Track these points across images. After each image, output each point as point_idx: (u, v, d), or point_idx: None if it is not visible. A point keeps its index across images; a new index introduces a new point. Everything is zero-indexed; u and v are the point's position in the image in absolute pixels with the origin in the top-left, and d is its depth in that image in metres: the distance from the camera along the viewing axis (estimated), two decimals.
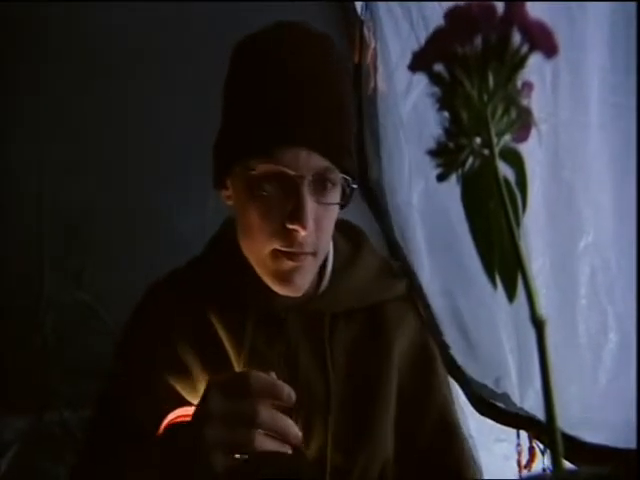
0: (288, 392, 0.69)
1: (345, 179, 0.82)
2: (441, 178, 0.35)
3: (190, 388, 0.87)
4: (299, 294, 0.87)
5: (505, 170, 0.34)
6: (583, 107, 0.81)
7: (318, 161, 0.78)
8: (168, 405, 0.83)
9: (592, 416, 0.92)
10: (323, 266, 0.95)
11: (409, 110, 1.35)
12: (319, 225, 0.82)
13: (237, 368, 0.86)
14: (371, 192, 1.35)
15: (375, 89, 1.39)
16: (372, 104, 1.38)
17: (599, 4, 0.78)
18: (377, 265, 1.01)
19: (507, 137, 0.34)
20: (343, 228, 0.99)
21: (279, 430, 0.67)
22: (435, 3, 1.22)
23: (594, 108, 0.80)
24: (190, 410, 0.79)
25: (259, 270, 0.86)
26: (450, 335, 1.14)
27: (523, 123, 0.33)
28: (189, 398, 0.85)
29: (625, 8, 0.77)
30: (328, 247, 0.89)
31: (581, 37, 0.78)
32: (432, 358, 1.06)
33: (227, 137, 0.86)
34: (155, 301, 0.97)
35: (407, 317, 1.02)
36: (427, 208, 1.41)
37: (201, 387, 0.84)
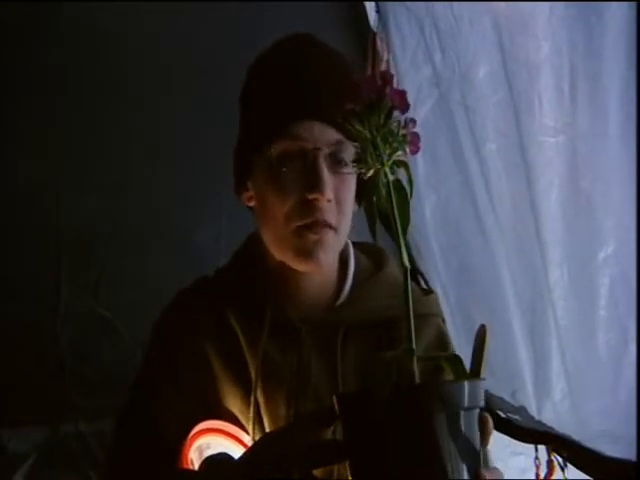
0: None
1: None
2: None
3: (217, 393, 0.87)
4: (321, 269, 0.87)
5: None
6: (602, 117, 0.80)
7: (332, 134, 0.81)
8: (194, 411, 0.83)
9: (612, 429, 0.91)
10: (343, 279, 0.95)
11: (420, 123, 1.35)
12: (337, 198, 0.83)
13: (253, 376, 0.87)
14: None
15: None
16: None
17: (616, 13, 0.77)
18: (397, 283, 1.00)
19: (399, 153, 0.55)
20: (366, 248, 1.00)
21: None
22: (450, 17, 1.23)
23: (614, 118, 0.79)
24: (214, 424, 0.80)
25: (281, 254, 0.87)
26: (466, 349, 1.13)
27: (406, 145, 0.55)
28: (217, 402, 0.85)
29: None
30: (348, 228, 0.90)
31: (599, 46, 0.78)
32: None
33: (244, 134, 0.89)
34: (183, 307, 0.98)
35: (422, 334, 1.01)
36: (439, 221, 1.40)
37: (227, 392, 0.85)
